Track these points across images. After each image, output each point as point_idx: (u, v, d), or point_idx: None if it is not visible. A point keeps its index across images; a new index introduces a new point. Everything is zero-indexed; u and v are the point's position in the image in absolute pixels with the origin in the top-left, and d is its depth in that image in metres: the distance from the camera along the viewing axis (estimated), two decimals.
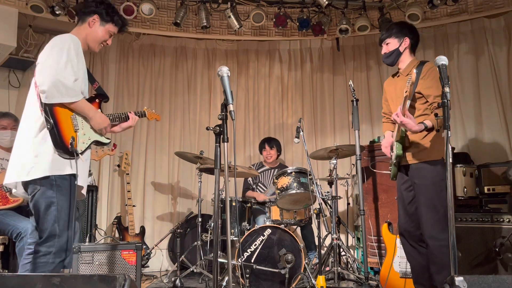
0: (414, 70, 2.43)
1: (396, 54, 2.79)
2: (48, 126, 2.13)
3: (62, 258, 2.13)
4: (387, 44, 2.82)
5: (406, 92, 2.37)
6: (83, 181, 2.29)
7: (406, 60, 2.80)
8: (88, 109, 2.25)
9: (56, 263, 2.11)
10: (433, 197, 2.53)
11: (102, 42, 2.42)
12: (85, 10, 2.39)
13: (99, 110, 2.38)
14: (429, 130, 2.55)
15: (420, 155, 2.60)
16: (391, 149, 2.69)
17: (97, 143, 2.36)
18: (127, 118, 2.49)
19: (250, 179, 4.75)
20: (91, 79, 2.48)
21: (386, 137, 2.93)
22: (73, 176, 2.16)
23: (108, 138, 2.42)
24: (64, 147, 2.14)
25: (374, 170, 4.04)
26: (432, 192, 2.53)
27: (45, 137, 2.14)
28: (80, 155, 2.18)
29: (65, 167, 2.16)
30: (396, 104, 2.67)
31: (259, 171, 4.75)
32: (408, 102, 2.43)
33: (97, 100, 2.39)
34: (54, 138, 2.13)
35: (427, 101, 2.63)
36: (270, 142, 4.75)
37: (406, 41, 2.77)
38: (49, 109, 2.14)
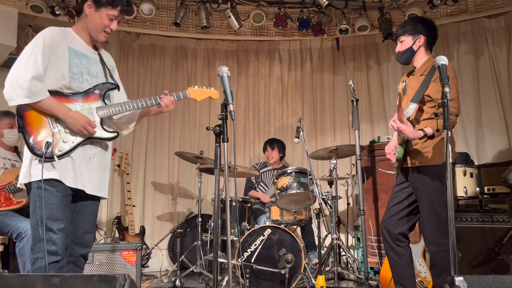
0: (409, 108, 2.29)
1: (409, 53, 2.65)
2: (19, 130, 2.03)
3: (54, 261, 1.96)
4: (401, 42, 2.68)
5: (398, 102, 2.32)
6: (86, 182, 2.10)
7: (421, 58, 2.66)
8: (56, 109, 2.01)
9: (49, 263, 1.96)
10: (435, 202, 2.47)
11: (104, 28, 2.18)
12: None
13: (99, 102, 2.17)
14: (430, 137, 2.46)
15: (422, 159, 2.54)
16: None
17: (98, 139, 2.15)
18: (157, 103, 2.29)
19: (253, 178, 4.76)
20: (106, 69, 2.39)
21: (393, 138, 2.85)
22: (56, 180, 1.99)
23: (111, 132, 2.20)
24: (34, 150, 1.98)
25: (379, 169, 4.02)
26: (434, 197, 2.47)
27: None
28: (56, 157, 1.98)
29: (45, 171, 1.97)
30: (405, 103, 2.62)
31: (261, 171, 4.76)
32: (403, 110, 2.37)
33: (96, 92, 2.17)
34: (25, 142, 2.00)
35: (436, 105, 2.51)
36: (272, 143, 4.78)
37: (421, 39, 2.62)
38: (19, 111, 2.01)
